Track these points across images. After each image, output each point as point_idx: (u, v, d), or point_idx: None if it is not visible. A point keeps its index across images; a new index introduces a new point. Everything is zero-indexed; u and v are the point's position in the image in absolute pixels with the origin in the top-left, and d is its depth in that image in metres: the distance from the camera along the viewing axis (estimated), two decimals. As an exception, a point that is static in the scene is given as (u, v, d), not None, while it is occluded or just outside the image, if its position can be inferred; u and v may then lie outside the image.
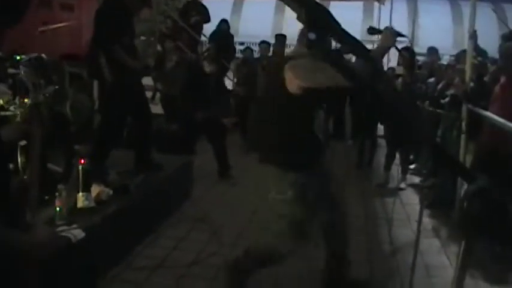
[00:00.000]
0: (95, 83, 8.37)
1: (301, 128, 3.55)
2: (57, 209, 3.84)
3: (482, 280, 4.48)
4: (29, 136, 3.87)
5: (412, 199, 7.09)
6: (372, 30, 3.44)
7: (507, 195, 1.07)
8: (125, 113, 5.42)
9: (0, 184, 2.01)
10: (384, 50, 3.46)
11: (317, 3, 2.25)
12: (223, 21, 12.25)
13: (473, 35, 5.62)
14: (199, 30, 11.31)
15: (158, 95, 9.92)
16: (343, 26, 3.06)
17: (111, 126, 5.38)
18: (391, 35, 3.41)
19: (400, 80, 7.26)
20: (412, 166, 8.31)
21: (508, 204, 1.10)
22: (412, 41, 12.29)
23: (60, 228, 3.73)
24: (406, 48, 7.96)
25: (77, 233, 3.73)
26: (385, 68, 9.83)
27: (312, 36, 2.07)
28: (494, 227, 1.13)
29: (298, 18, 2.21)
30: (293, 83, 3.28)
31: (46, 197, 4.18)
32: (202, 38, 11.77)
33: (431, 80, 8.10)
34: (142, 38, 11.15)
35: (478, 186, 1.11)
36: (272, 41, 10.00)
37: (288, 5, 2.28)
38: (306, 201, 3.57)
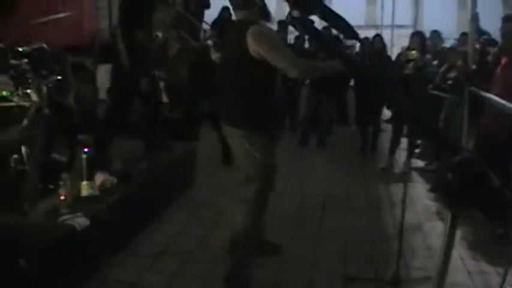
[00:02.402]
0: (98, 73, 8.43)
1: (269, 91, 3.74)
2: (62, 197, 3.89)
3: (485, 262, 4.51)
4: (32, 140, 3.96)
5: (415, 182, 7.11)
6: None
7: (492, 168, 1.09)
8: (133, 99, 5.54)
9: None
10: None
11: None
12: (225, 9, 12.19)
13: (475, 17, 5.60)
14: (200, 18, 11.28)
15: (161, 83, 9.91)
16: (347, 12, 3.15)
17: (119, 111, 5.46)
18: None
19: (411, 64, 7.24)
20: (417, 150, 8.32)
21: (490, 174, 1.12)
22: (415, 24, 12.31)
23: (64, 217, 3.78)
24: (417, 33, 7.96)
25: (81, 221, 3.77)
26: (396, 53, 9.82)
27: (295, 14, 2.11)
28: (476, 197, 1.15)
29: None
30: (256, 52, 3.52)
31: (51, 186, 4.23)
32: (205, 26, 11.73)
33: (434, 63, 8.09)
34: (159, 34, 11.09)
35: (462, 158, 1.14)
36: (275, 27, 9.97)
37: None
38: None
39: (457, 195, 1.14)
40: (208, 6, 11.45)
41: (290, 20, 1.98)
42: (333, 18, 1.93)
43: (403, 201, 4.13)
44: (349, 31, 1.99)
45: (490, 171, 1.09)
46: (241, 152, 3.78)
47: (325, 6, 2.28)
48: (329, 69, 3.78)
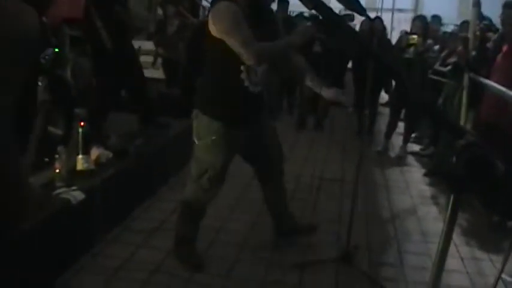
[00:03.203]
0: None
1: (226, 77, 3.52)
2: (57, 171, 3.87)
3: (479, 249, 4.53)
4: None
5: (411, 166, 7.13)
6: None
7: (495, 153, 1.08)
8: (120, 75, 5.46)
9: None
10: None
11: None
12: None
13: (477, 3, 5.57)
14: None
15: (160, 60, 9.88)
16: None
17: (108, 88, 5.41)
18: None
19: (412, 48, 7.21)
20: (413, 135, 8.32)
21: (495, 159, 1.11)
22: (416, 8, 12.29)
23: (59, 190, 3.76)
24: (419, 17, 7.92)
25: (76, 195, 3.76)
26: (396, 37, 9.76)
27: None
28: (479, 181, 1.14)
29: None
30: (211, 28, 3.38)
31: (46, 159, 4.21)
32: (204, 3, 11.66)
33: (436, 48, 8.05)
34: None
35: (466, 141, 1.13)
36: (275, 6, 9.90)
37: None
38: (226, 150, 3.68)
39: (460, 178, 1.13)
40: None
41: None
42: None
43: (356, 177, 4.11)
44: (357, 6, 1.97)
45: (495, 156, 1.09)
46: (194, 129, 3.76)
47: None
48: (293, 42, 3.54)
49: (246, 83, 3.50)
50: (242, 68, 3.44)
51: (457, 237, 4.65)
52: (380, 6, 14.88)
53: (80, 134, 4.24)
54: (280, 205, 4.30)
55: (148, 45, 9.36)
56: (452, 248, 4.36)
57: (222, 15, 3.35)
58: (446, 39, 7.92)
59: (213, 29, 3.37)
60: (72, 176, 4.01)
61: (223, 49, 3.35)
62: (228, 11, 3.34)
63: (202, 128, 3.65)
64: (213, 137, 3.57)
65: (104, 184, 4.18)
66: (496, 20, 6.84)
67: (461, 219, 5.05)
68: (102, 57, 5.33)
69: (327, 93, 3.66)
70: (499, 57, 5.24)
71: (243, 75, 3.47)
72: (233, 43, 3.31)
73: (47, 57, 4.68)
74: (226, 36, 3.32)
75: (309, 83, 3.76)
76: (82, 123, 4.27)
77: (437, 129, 6.89)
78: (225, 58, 3.41)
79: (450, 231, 1.30)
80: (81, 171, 4.18)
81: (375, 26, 8.68)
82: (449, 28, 10.09)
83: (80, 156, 4.22)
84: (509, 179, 1.09)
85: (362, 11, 2.04)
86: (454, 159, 1.15)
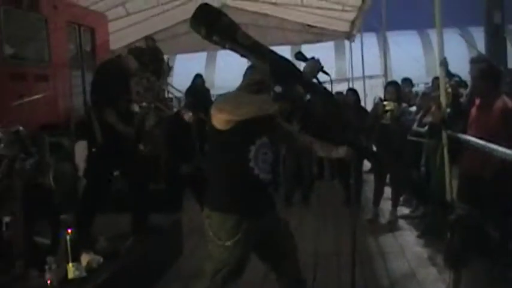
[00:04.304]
0: (76, 150, 8.38)
1: (235, 168, 3.38)
2: (48, 282, 3.80)
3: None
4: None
5: (404, 230, 7.09)
6: (299, 56, 3.38)
7: (486, 219, 1.07)
8: (111, 176, 5.44)
9: None
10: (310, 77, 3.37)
11: (279, 56, 2.32)
12: (198, 76, 12.36)
13: (444, 62, 5.71)
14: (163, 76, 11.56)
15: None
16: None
17: (97, 189, 5.37)
18: (315, 65, 3.35)
19: (388, 114, 7.32)
20: (401, 198, 8.31)
21: (487, 228, 1.11)
22: (385, 73, 12.56)
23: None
24: (391, 83, 8.08)
25: (70, 305, 3.68)
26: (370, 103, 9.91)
27: (278, 89, 2.13)
28: (477, 252, 1.14)
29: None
30: (217, 117, 3.26)
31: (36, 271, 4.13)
32: (179, 94, 11.85)
33: (412, 109, 8.15)
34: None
35: (457, 216, 1.12)
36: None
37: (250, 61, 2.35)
38: (246, 248, 3.45)
39: (457, 255, 1.12)
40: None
41: (274, 96, 1.96)
42: (313, 88, 1.94)
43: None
44: (329, 99, 2.01)
45: (486, 223, 1.08)
46: (206, 231, 3.49)
47: (305, 79, 2.32)
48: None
49: (256, 171, 3.38)
50: (250, 156, 3.34)
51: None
52: (350, 76, 15.21)
53: (68, 241, 4.17)
54: None
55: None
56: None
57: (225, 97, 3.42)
58: (420, 99, 8.05)
59: (218, 117, 3.27)
60: (64, 286, 3.93)
61: (227, 141, 3.31)
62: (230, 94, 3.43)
63: (215, 225, 3.42)
64: (229, 235, 3.37)
65: (98, 290, 4.09)
66: (465, 76, 7.01)
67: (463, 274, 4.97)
68: (95, 155, 5.36)
69: (342, 151, 3.70)
70: (473, 110, 5.32)
71: (252, 163, 3.36)
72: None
73: (28, 167, 4.68)
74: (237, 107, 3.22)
75: (320, 152, 3.77)
76: (69, 230, 4.21)
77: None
78: (231, 149, 3.35)
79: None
80: (72, 280, 4.09)
81: (348, 99, 8.85)
82: (420, 88, 10.31)
83: (70, 264, 4.14)
84: (504, 246, 1.08)
85: (331, 100, 2.09)
86: (448, 235, 1.15)
